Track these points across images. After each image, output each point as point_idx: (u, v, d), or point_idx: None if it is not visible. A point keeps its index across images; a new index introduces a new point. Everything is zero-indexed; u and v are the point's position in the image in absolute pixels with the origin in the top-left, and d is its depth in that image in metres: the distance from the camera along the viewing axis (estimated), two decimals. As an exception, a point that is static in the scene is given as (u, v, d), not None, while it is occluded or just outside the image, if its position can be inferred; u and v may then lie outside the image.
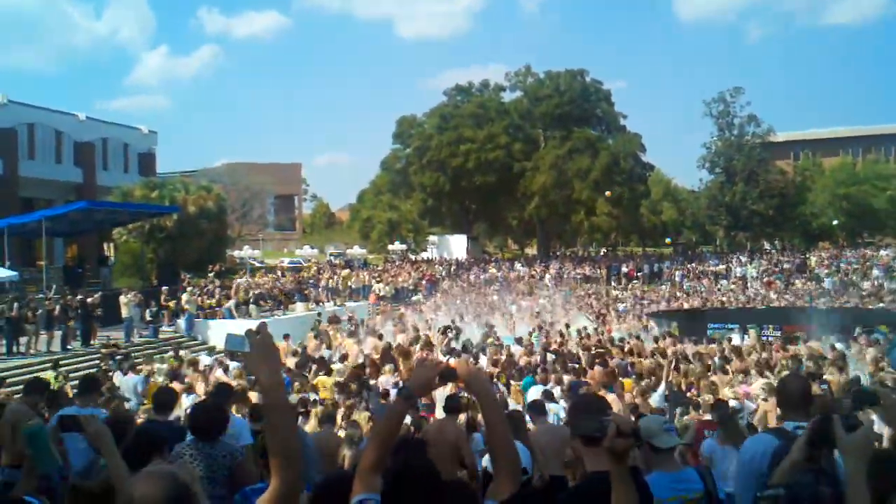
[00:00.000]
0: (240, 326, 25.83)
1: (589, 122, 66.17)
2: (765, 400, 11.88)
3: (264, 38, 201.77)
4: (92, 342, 23.74)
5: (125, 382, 16.11)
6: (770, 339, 25.52)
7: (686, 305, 39.32)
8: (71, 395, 11.15)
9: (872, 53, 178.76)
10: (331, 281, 38.41)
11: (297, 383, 14.64)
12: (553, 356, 18.34)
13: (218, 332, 26.25)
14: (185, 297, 28.27)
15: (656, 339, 23.19)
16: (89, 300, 24.61)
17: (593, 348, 19.87)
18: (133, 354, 20.77)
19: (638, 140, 64.37)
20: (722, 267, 50.20)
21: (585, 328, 26.73)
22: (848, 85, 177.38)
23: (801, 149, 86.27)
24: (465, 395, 10.55)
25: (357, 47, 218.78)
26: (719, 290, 44.65)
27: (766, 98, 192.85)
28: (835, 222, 64.14)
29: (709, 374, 15.64)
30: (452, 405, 8.79)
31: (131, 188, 42.11)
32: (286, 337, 22.24)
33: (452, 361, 4.11)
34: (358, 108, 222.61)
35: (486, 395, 3.20)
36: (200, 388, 14.75)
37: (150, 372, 17.73)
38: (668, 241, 77.41)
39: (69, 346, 23.19)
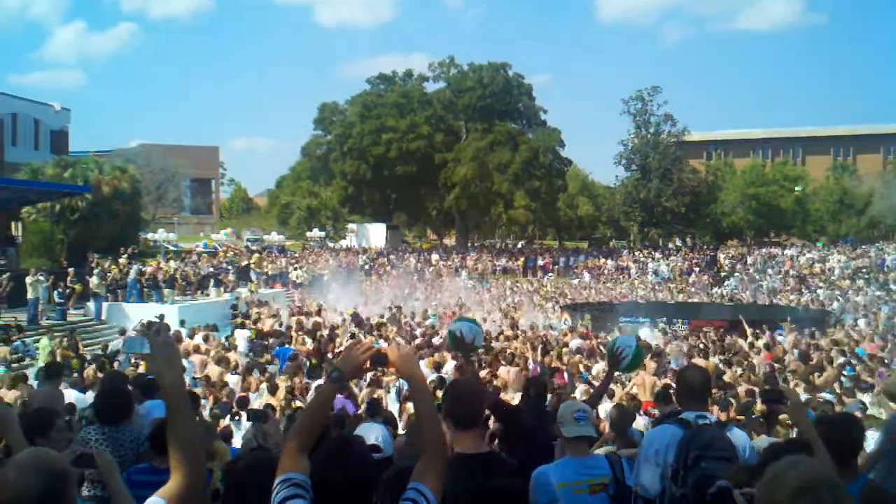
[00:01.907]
0: (151, 310, 25.50)
1: (510, 116, 66.47)
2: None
3: (183, 18, 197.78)
4: (-4, 323, 23.03)
5: None
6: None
7: (593, 298, 40.26)
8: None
9: (782, 59, 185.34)
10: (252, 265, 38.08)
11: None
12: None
13: (133, 315, 25.73)
14: (94, 279, 27.64)
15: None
16: (-4, 280, 23.94)
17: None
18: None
19: (557, 135, 64.90)
20: (633, 264, 51.34)
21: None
22: (759, 88, 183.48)
23: (714, 149, 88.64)
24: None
25: (278, 31, 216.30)
26: (632, 284, 45.87)
27: (682, 98, 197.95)
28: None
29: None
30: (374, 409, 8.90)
31: (42, 166, 40.79)
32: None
33: (383, 346, 4.17)
34: (279, 93, 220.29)
35: (415, 379, 3.21)
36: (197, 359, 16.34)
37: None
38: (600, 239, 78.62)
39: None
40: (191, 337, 19.53)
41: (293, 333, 20.46)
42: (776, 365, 15.84)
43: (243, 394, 12.61)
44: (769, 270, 46.85)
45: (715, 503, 3.64)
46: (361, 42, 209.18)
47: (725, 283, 45.36)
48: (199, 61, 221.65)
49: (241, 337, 19.75)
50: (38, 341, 19.57)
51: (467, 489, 2.92)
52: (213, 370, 15.10)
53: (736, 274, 47.07)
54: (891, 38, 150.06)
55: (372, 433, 4.76)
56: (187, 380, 13.87)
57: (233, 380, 14.27)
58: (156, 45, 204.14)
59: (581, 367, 15.96)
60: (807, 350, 18.55)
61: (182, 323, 22.83)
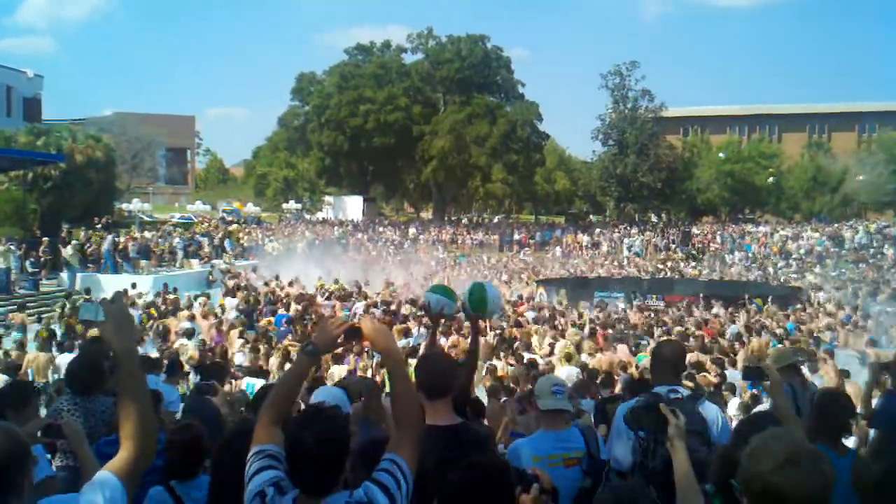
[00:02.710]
0: (126, 281, 25.35)
1: (489, 89, 66.18)
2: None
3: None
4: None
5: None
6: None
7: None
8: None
9: (761, 36, 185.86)
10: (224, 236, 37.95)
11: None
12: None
13: (107, 286, 25.54)
14: (68, 249, 27.36)
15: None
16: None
17: None
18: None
19: (535, 108, 64.66)
20: (605, 242, 51.54)
21: None
22: (737, 65, 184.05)
23: (691, 125, 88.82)
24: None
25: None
26: (605, 259, 46.14)
27: (660, 74, 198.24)
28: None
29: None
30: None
31: (15, 133, 40.28)
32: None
33: (358, 319, 4.21)
34: (256, 62, 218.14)
35: (390, 353, 3.23)
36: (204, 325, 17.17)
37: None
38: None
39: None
40: (189, 307, 19.90)
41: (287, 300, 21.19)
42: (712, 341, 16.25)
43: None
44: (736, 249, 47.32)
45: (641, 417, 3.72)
46: (340, 11, 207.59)
47: (698, 259, 45.67)
48: (175, 29, 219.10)
49: (230, 306, 20.08)
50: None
51: (452, 476, 2.94)
52: (232, 337, 15.48)
53: (709, 251, 47.45)
54: (869, 17, 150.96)
55: (328, 395, 4.87)
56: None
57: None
58: (130, 11, 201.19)
59: (534, 337, 16.42)
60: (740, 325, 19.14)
61: (174, 290, 23.14)
